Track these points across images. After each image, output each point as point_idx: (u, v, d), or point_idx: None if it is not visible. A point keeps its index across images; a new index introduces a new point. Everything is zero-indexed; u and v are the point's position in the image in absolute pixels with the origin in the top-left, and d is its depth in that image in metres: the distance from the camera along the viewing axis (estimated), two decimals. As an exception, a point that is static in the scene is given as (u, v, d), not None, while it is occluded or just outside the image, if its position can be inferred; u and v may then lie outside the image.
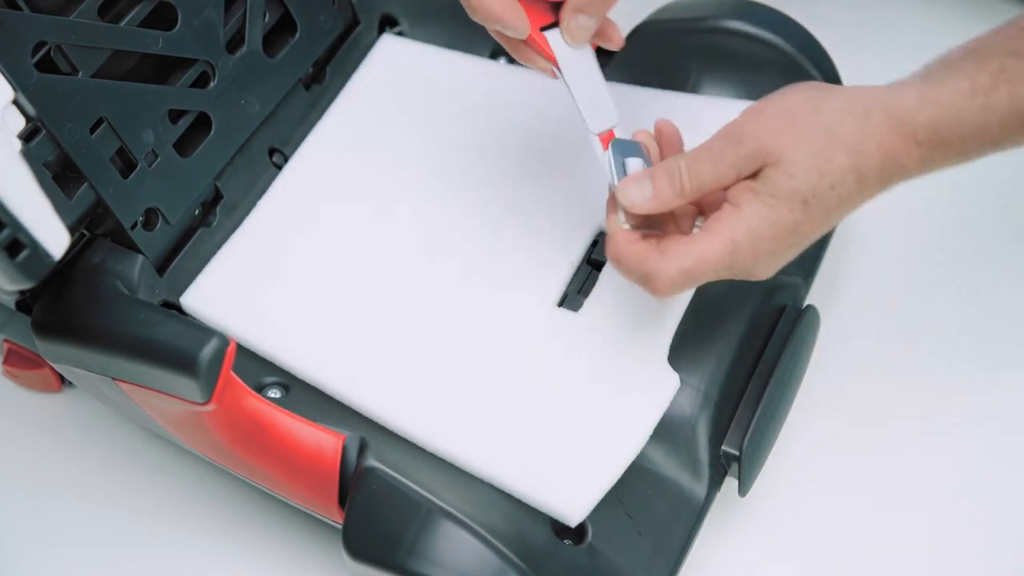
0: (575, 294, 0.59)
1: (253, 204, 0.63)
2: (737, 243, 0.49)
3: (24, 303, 0.55)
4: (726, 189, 0.51)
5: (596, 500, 0.52)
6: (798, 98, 0.51)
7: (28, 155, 0.49)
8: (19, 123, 0.49)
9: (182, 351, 0.49)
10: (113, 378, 0.53)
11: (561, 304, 0.58)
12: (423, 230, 0.61)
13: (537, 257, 0.60)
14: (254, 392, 0.52)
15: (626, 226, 0.52)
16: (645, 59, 0.66)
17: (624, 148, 0.53)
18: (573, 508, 0.52)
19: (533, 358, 0.57)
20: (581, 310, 0.58)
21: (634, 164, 0.53)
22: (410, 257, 0.60)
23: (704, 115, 0.56)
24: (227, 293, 0.59)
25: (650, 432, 0.54)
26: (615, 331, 0.57)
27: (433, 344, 0.57)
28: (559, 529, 0.53)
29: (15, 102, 0.49)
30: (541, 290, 0.59)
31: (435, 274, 0.60)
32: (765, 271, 0.51)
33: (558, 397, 0.55)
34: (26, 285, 0.49)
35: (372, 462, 0.52)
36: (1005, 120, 0.49)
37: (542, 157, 0.64)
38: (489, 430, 0.54)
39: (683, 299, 0.58)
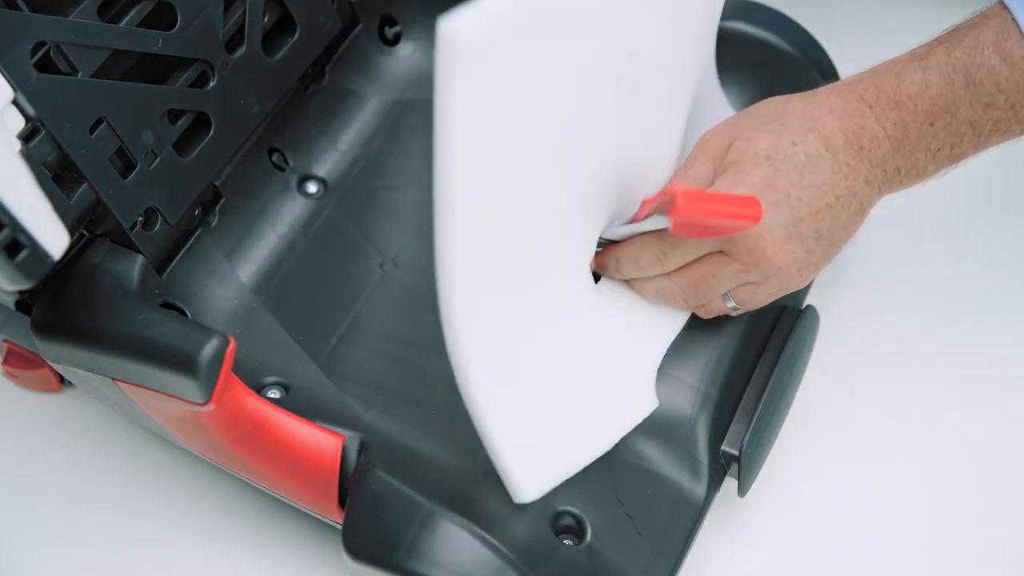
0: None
1: (252, 204, 0.63)
2: None
3: (24, 303, 0.55)
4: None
5: (546, 491, 0.53)
6: (753, 106, 0.56)
7: (27, 155, 0.49)
8: (18, 123, 0.49)
9: (182, 351, 0.49)
10: (113, 378, 0.53)
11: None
12: None
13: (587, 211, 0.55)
14: (254, 392, 0.52)
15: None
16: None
17: None
18: (526, 491, 0.52)
19: (562, 318, 0.55)
20: (601, 283, 0.58)
21: None
22: None
23: None
24: None
25: (610, 446, 0.55)
26: (620, 319, 0.57)
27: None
28: (559, 529, 0.53)
29: (14, 102, 0.49)
30: (590, 242, 0.56)
31: None
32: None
33: (562, 368, 0.55)
34: (26, 285, 0.49)
35: (372, 462, 0.52)
36: (948, 77, 0.51)
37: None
38: (501, 383, 0.52)
39: (683, 315, 0.58)
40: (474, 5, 0.44)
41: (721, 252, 0.54)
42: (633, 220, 0.56)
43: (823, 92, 0.54)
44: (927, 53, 0.52)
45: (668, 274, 0.56)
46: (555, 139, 0.49)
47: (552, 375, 0.54)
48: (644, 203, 0.56)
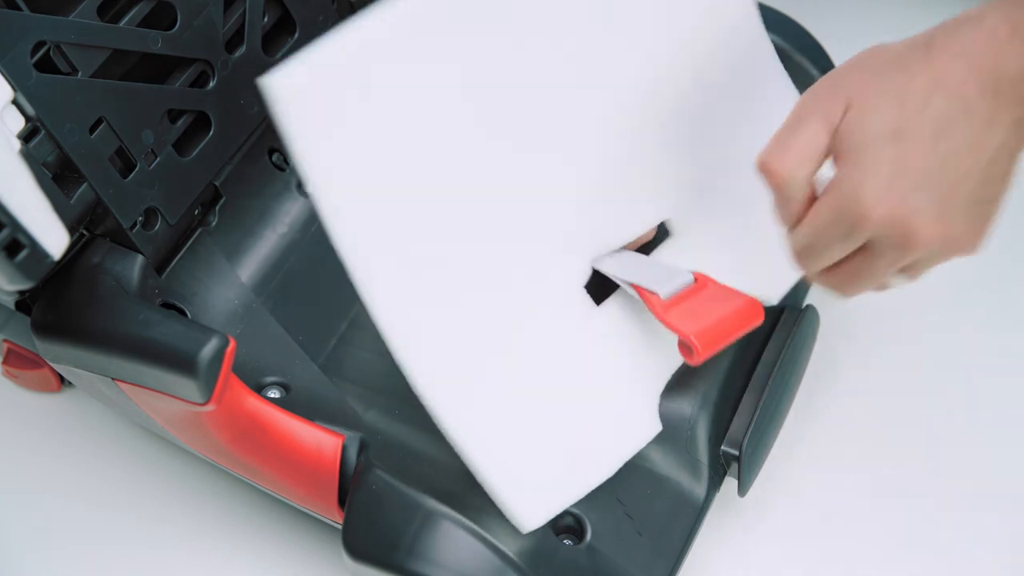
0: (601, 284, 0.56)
1: (252, 204, 0.63)
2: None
3: (23, 303, 0.55)
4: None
5: (550, 517, 0.52)
6: (864, 55, 0.49)
7: (27, 155, 0.49)
8: (18, 123, 0.49)
9: (182, 351, 0.49)
10: (113, 378, 0.53)
11: (587, 287, 0.55)
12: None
13: (586, 227, 0.55)
14: (254, 392, 0.52)
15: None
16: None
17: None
18: (528, 519, 0.51)
19: (547, 341, 0.54)
20: (603, 306, 0.56)
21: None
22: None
23: None
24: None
25: (615, 469, 0.54)
26: (624, 343, 0.56)
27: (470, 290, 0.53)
28: (559, 529, 0.53)
29: (14, 102, 0.49)
30: (574, 264, 0.55)
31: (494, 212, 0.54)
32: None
33: (551, 394, 0.54)
34: (25, 285, 0.49)
35: (372, 462, 0.52)
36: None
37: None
38: (482, 405, 0.52)
39: None
40: (298, 57, 0.47)
41: (866, 249, 0.48)
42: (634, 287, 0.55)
43: (942, 34, 0.47)
44: None
45: (814, 275, 0.51)
46: (448, 172, 0.50)
47: (545, 402, 0.54)
48: (644, 295, 0.54)
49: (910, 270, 0.50)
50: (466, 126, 0.51)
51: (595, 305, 0.55)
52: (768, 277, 0.58)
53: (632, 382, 0.56)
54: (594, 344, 0.55)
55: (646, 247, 0.58)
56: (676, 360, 0.57)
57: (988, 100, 0.46)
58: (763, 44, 0.59)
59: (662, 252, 0.57)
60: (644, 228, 0.57)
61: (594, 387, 0.55)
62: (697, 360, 0.51)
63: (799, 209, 0.49)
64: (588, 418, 0.54)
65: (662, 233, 0.58)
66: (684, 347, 0.52)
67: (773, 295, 0.59)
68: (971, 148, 0.46)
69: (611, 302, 0.56)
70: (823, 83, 0.49)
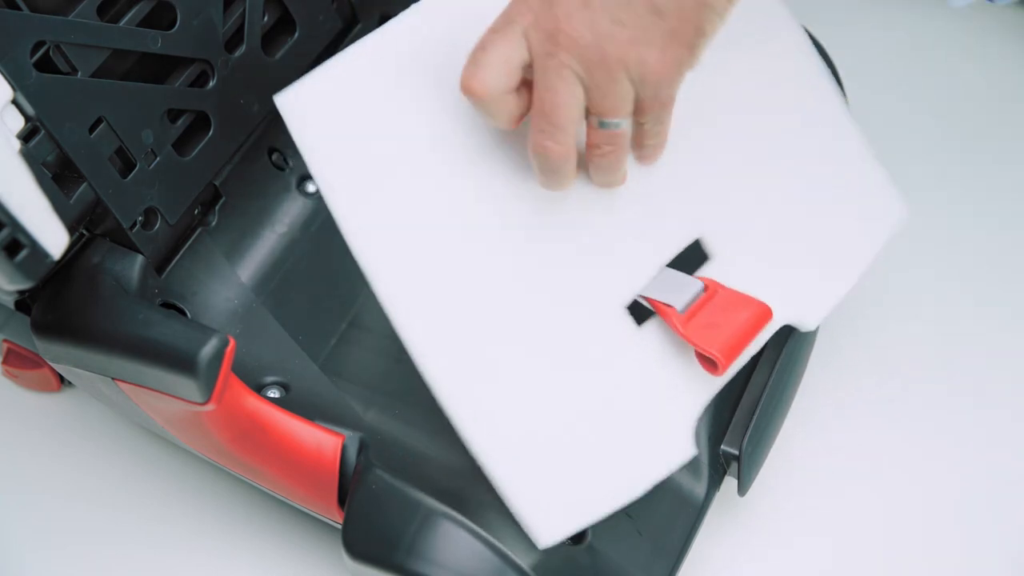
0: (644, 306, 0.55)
1: (252, 204, 0.63)
2: None
3: (23, 303, 0.55)
4: None
5: (569, 534, 0.51)
6: None
7: (27, 155, 0.49)
8: (18, 123, 0.49)
9: (181, 351, 0.49)
10: (113, 378, 0.53)
11: (630, 308, 0.55)
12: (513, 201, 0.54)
13: (626, 248, 0.55)
14: (254, 392, 0.52)
15: None
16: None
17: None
18: (545, 533, 0.51)
19: (580, 359, 0.54)
20: (644, 326, 0.55)
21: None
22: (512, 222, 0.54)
23: None
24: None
25: (644, 491, 0.53)
26: (660, 369, 0.54)
27: (499, 303, 0.53)
28: (559, 529, 0.53)
29: (14, 102, 0.49)
30: (617, 285, 0.55)
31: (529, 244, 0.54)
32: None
33: (583, 410, 0.53)
34: (25, 285, 0.49)
35: (372, 462, 0.52)
36: None
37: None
38: (507, 417, 0.52)
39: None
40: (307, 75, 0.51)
41: (532, 57, 0.48)
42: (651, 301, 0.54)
43: None
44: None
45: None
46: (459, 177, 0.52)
47: (576, 419, 0.53)
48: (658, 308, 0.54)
49: (641, 120, 0.50)
50: (490, 146, 0.52)
51: (636, 325, 0.54)
52: (806, 302, 0.57)
53: (667, 403, 0.54)
54: (631, 364, 0.54)
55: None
56: (715, 383, 0.55)
57: None
58: (815, 69, 0.59)
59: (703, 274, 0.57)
60: (684, 244, 0.56)
61: (628, 407, 0.54)
62: (720, 372, 0.52)
63: (509, 120, 0.49)
64: (618, 438, 0.53)
65: (700, 256, 0.57)
66: (706, 360, 0.52)
67: (811, 320, 0.57)
68: None
69: (652, 323, 0.55)
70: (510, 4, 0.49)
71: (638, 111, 0.50)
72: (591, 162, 0.52)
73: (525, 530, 0.51)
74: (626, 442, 0.53)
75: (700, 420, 0.56)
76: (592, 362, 0.54)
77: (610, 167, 0.52)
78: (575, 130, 0.49)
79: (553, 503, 0.52)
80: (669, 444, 0.54)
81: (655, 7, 0.47)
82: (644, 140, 0.52)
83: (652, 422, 0.54)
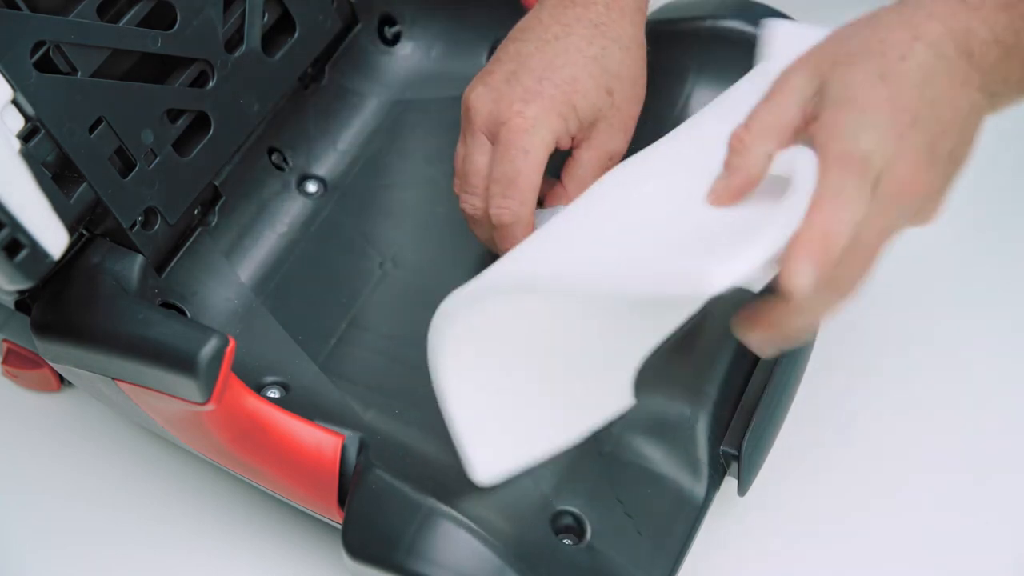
0: None
1: (252, 204, 0.64)
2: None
3: (23, 303, 0.55)
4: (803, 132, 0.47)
5: (505, 475, 0.54)
6: (833, 33, 0.49)
7: (27, 155, 0.49)
8: (18, 123, 0.49)
9: (181, 351, 0.49)
10: (113, 378, 0.53)
11: None
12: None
13: None
14: (254, 392, 0.52)
15: None
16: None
17: None
18: (483, 473, 0.53)
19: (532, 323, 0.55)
20: None
21: None
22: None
23: None
24: None
25: (578, 438, 0.55)
26: (600, 320, 0.56)
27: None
28: (559, 528, 0.53)
29: (14, 102, 0.49)
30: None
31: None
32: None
33: (529, 362, 0.55)
34: (25, 285, 0.49)
35: (372, 462, 0.52)
36: None
37: None
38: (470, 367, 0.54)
39: (676, 317, 0.56)
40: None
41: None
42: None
43: (911, 1, 0.48)
44: None
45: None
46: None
47: (521, 370, 0.54)
48: None
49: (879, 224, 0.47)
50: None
51: None
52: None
53: (610, 356, 0.56)
54: (575, 319, 0.56)
55: None
56: (654, 337, 0.56)
57: (963, 61, 0.46)
58: None
59: None
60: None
61: (570, 360, 0.55)
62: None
63: (742, 184, 0.48)
64: (559, 387, 0.55)
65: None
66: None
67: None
68: (951, 101, 0.46)
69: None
70: (796, 64, 0.48)
71: None
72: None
73: (466, 469, 0.53)
74: (565, 393, 0.55)
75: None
76: (537, 324, 0.54)
77: (842, 282, 0.48)
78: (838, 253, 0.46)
79: (490, 448, 0.53)
80: (608, 394, 0.55)
81: (959, 160, 0.47)
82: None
83: (592, 374, 0.55)
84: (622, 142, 0.60)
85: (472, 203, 0.59)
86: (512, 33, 0.60)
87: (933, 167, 0.46)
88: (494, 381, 0.54)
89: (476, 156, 0.58)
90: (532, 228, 0.57)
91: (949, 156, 0.47)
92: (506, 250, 0.57)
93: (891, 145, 0.45)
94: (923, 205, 0.47)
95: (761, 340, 0.49)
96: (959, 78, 0.46)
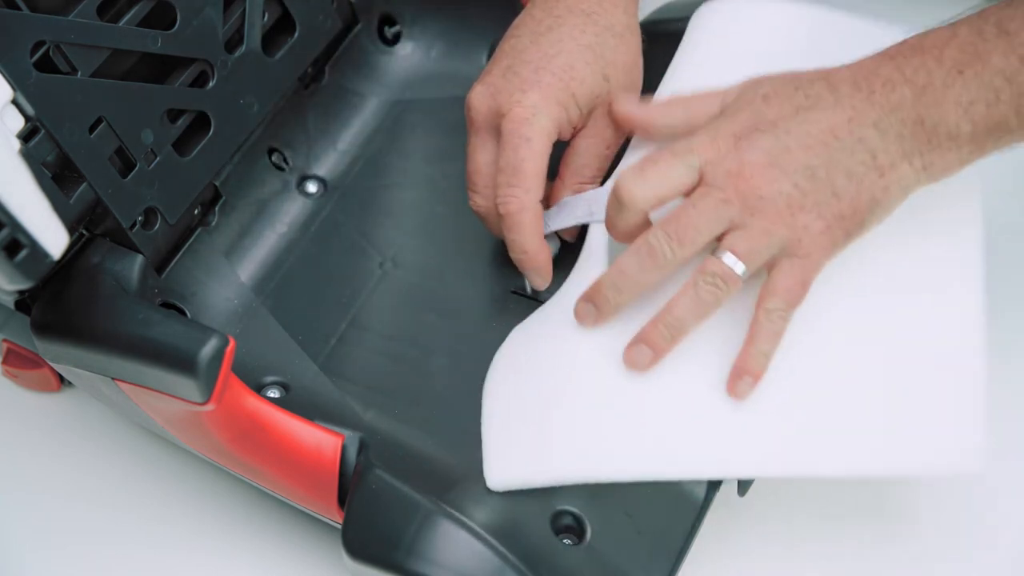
0: None
1: (252, 204, 0.63)
2: None
3: (23, 303, 0.55)
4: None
5: (520, 487, 0.53)
6: None
7: (27, 155, 0.49)
8: (18, 123, 0.49)
9: (181, 351, 0.49)
10: (113, 378, 0.53)
11: None
12: None
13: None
14: (254, 392, 0.52)
15: None
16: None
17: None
18: (497, 478, 0.54)
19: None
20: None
21: None
22: None
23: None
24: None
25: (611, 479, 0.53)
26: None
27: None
28: (559, 528, 0.53)
29: (14, 102, 0.49)
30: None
31: None
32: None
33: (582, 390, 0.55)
34: (25, 285, 0.49)
35: (372, 461, 0.52)
36: (977, 27, 0.49)
37: None
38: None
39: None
40: None
41: (702, 183, 0.51)
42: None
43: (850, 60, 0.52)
44: (954, 17, 0.50)
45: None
46: None
47: (567, 395, 0.54)
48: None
49: (738, 239, 0.50)
50: None
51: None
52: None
53: (679, 409, 0.54)
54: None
55: None
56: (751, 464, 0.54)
57: (861, 97, 0.50)
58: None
59: None
60: None
61: (636, 395, 0.54)
62: None
63: (627, 232, 0.53)
64: (608, 418, 0.54)
65: None
66: None
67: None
68: (828, 124, 0.50)
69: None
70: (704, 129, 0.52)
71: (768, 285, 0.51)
72: (690, 290, 0.51)
73: (485, 470, 0.53)
74: (615, 425, 0.53)
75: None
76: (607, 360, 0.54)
77: (701, 303, 0.51)
78: (694, 255, 0.51)
79: (515, 453, 0.53)
80: (675, 451, 0.53)
81: (835, 189, 0.50)
82: (755, 338, 0.52)
83: (651, 419, 0.54)
84: (619, 131, 0.60)
85: (477, 201, 0.59)
86: (507, 32, 0.61)
87: (773, 168, 0.50)
88: (534, 390, 0.54)
89: (478, 154, 0.59)
90: (539, 217, 0.57)
91: (810, 173, 0.49)
92: (513, 239, 0.57)
93: (723, 141, 0.51)
94: (765, 205, 0.50)
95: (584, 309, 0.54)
96: (846, 110, 0.50)
